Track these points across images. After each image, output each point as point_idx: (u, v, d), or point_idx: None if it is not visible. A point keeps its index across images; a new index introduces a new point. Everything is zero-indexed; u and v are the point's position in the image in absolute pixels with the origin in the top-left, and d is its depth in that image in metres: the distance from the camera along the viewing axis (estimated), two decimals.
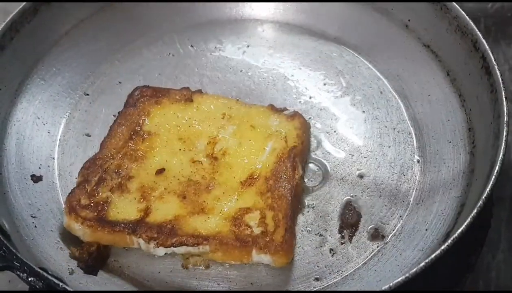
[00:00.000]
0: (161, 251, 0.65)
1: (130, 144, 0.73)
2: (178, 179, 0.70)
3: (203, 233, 0.65)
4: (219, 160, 0.72)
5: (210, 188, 0.69)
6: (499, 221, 0.82)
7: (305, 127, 0.77)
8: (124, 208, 0.67)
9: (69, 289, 0.52)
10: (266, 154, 0.72)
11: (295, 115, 0.77)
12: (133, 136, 0.74)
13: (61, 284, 0.52)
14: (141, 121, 0.75)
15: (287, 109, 0.78)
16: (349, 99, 0.83)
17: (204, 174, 0.71)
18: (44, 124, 0.78)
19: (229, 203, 0.68)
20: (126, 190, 0.69)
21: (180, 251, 0.65)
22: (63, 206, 0.70)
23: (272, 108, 0.78)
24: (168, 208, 0.67)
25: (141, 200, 0.68)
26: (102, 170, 0.70)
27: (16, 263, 0.54)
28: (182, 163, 0.72)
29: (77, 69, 0.84)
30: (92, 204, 0.67)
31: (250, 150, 0.73)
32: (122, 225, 0.65)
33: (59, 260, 0.64)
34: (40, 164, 0.75)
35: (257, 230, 0.65)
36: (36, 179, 0.73)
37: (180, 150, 0.73)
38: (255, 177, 0.70)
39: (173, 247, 0.64)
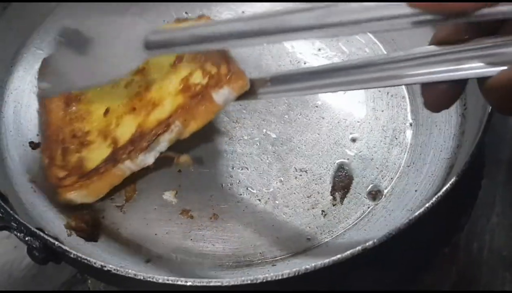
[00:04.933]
0: (147, 159, 0.66)
1: (71, 111, 0.74)
2: (123, 104, 0.72)
3: (166, 116, 0.67)
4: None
5: (149, 88, 0.71)
6: (495, 185, 0.83)
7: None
8: (97, 154, 0.69)
9: (64, 247, 0.54)
10: None
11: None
12: (69, 103, 0.75)
13: (56, 242, 0.54)
14: None
15: None
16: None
17: (139, 84, 0.72)
18: None
19: (171, 84, 0.69)
20: (89, 142, 0.70)
21: (163, 148, 0.67)
22: None
23: None
24: (128, 125, 0.69)
25: (105, 138, 0.70)
26: (60, 143, 0.71)
27: (13, 224, 0.55)
28: (119, 93, 0.73)
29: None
30: (70, 171, 0.68)
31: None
32: (103, 164, 0.67)
33: (58, 223, 0.66)
34: (38, 131, 0.76)
35: (204, 81, 0.67)
36: (34, 145, 0.74)
37: (112, 87, 0.74)
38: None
39: (152, 146, 0.66)
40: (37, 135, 0.76)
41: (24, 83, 0.79)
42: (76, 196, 0.67)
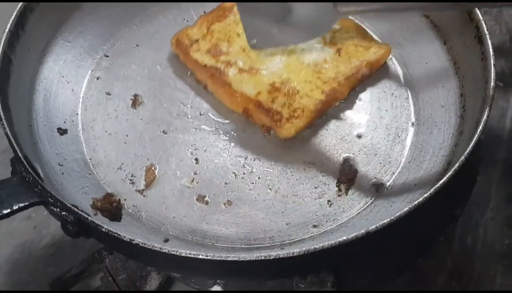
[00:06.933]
0: None
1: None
2: None
3: None
4: None
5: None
6: (490, 182, 0.89)
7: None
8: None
9: (97, 221, 0.59)
10: None
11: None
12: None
13: (90, 217, 0.60)
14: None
15: None
16: None
17: None
18: (68, 82, 0.85)
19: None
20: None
21: None
22: (86, 156, 0.77)
23: None
24: None
25: None
26: None
27: (50, 199, 0.61)
28: None
29: (98, 32, 0.90)
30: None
31: None
32: None
33: (85, 203, 0.71)
34: (65, 119, 0.81)
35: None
36: (62, 131, 0.80)
37: None
38: None
39: None
40: (65, 122, 0.81)
41: (53, 73, 0.84)
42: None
